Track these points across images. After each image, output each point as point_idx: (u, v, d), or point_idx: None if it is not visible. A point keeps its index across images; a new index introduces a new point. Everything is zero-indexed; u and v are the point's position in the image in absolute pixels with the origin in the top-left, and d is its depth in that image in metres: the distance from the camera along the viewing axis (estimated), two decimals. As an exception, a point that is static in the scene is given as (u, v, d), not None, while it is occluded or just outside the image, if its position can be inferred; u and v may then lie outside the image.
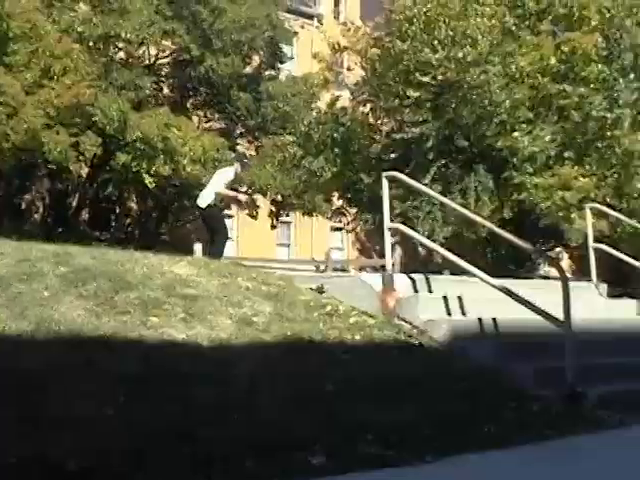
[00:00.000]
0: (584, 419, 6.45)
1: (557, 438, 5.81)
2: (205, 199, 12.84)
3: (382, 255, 9.22)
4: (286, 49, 28.65)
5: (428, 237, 13.21)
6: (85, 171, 23.49)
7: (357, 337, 7.33)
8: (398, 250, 18.69)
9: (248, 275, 8.66)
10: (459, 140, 13.54)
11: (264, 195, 25.26)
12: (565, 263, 19.89)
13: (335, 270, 20.63)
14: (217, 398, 5.30)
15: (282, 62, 27.85)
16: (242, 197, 13.93)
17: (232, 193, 13.43)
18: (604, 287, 11.00)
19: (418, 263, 14.39)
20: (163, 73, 25.53)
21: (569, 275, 15.48)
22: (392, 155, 14.67)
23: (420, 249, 13.36)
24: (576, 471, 4.73)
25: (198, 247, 20.77)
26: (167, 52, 24.72)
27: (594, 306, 9.98)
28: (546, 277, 13.89)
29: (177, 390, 5.30)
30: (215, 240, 12.61)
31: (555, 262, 9.53)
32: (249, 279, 8.41)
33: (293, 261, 30.46)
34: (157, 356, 5.90)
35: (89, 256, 8.06)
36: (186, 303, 7.05)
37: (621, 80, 13.58)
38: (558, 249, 18.15)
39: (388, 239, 8.96)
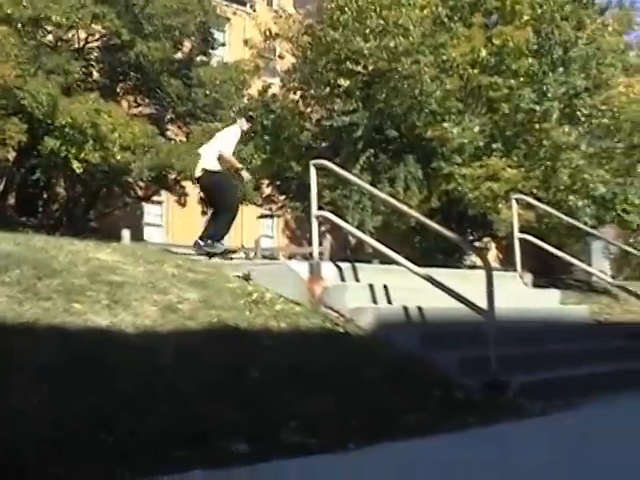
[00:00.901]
0: (507, 407, 6.52)
1: (480, 426, 5.87)
2: (203, 164, 11.58)
3: (312, 243, 9.21)
4: (218, 35, 28.43)
5: (358, 226, 13.27)
6: (12, 155, 23.09)
7: (283, 325, 7.32)
8: (328, 238, 18.73)
9: (175, 262, 8.58)
10: (389, 130, 13.58)
11: (194, 182, 25.04)
12: (493, 253, 20.16)
13: (264, 258, 20.56)
14: (141, 386, 5.23)
15: (214, 48, 27.62)
16: (246, 175, 11.98)
17: (239, 165, 11.97)
18: (529, 277, 11.14)
19: (348, 251, 14.41)
20: (93, 57, 25.14)
21: (496, 265, 15.73)
22: (322, 143, 14.68)
23: (351, 238, 13.36)
24: (495, 458, 4.78)
25: (126, 233, 20.60)
26: (97, 36, 24.34)
27: (518, 296, 10.11)
28: (473, 267, 14.01)
29: (100, 378, 5.22)
30: (220, 213, 11.23)
31: (479, 252, 9.64)
32: (176, 266, 8.34)
33: (223, 248, 30.31)
34: (80, 343, 5.81)
35: (13, 242, 7.91)
36: (111, 290, 6.95)
37: (550, 74, 13.75)
38: (486, 239, 18.34)
39: (315, 227, 8.96)
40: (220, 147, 11.40)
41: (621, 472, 4.32)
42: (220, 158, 11.24)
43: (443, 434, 5.50)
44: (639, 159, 15.59)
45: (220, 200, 11.28)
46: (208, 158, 11.50)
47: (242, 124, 11.95)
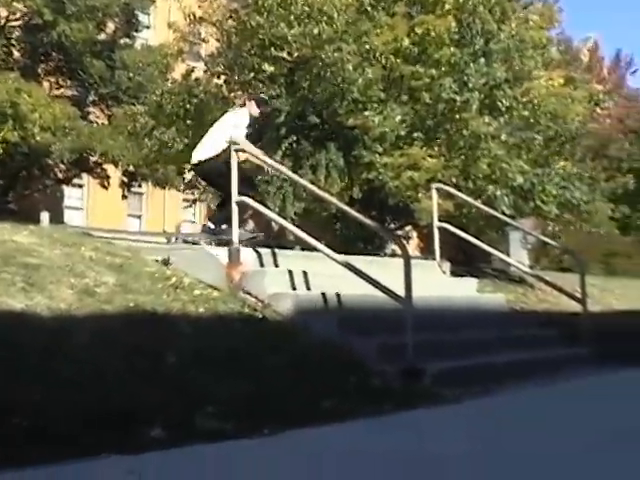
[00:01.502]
0: (422, 394, 6.61)
1: (396, 412, 5.94)
2: (205, 151, 10.28)
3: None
4: (142, 18, 28.15)
5: (279, 212, 13.25)
6: None
7: (201, 310, 7.30)
8: (251, 224, 18.69)
9: (93, 245, 8.49)
10: (312, 117, 13.58)
11: (115, 165, 24.86)
12: (414, 242, 20.34)
13: (186, 243, 20.39)
14: (55, 370, 5.18)
15: (138, 31, 27.35)
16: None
17: (257, 151, 10.18)
18: (447, 265, 11.26)
19: (270, 237, 14.39)
20: (14, 37, 24.68)
21: (417, 254, 15.87)
22: (245, 129, 14.61)
23: (273, 224, 13.36)
24: (409, 444, 4.84)
25: (45, 216, 20.29)
26: (18, 15, 23.91)
27: (436, 284, 10.22)
28: (394, 255, 14.10)
29: (12, 360, 5.15)
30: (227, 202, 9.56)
31: (398, 240, 9.73)
32: (93, 249, 8.24)
33: (144, 233, 30.10)
34: (-7, 325, 5.73)
35: None
36: (26, 272, 6.85)
37: (472, 64, 13.87)
38: (408, 228, 18.48)
39: (235, 212, 8.95)
40: (232, 134, 9.73)
41: (533, 459, 4.40)
42: (231, 147, 9.37)
43: (359, 420, 5.54)
44: (557, 151, 15.85)
45: (229, 184, 9.54)
46: (209, 146, 10.18)
47: (252, 108, 10.46)
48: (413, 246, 18.39)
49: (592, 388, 7.75)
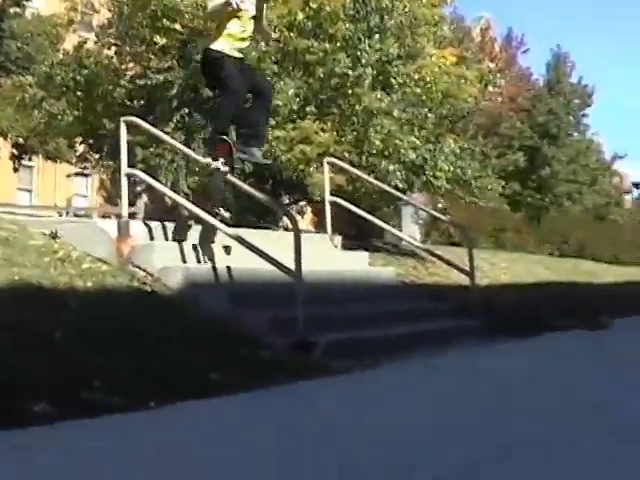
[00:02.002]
0: (313, 367, 6.65)
1: (286, 384, 5.97)
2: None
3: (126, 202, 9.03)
4: (33, -14, 27.48)
5: (173, 185, 13.13)
6: None
7: (89, 284, 7.18)
8: (144, 198, 18.46)
9: (-23, 218, 8.28)
10: (204, 89, 13.45)
11: (4, 137, 24.30)
12: (308, 217, 20.41)
13: (78, 217, 20.08)
14: None
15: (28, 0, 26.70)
16: None
17: None
18: (339, 239, 11.32)
19: (164, 211, 14.25)
20: None
21: (312, 228, 15.93)
22: (137, 101, 14.40)
23: (167, 198, 13.19)
24: (298, 414, 4.86)
25: None
26: None
27: (328, 258, 10.27)
28: (287, 229, 14.11)
29: None
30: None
31: (289, 214, 9.72)
32: (-23, 222, 8.04)
33: (34, 207, 29.55)
34: None
35: None
36: None
37: (366, 40, 13.93)
38: (302, 203, 18.52)
39: (125, 185, 8.83)
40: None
41: (418, 429, 4.47)
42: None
43: (249, 393, 5.55)
44: (448, 128, 16.07)
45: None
46: None
47: None
48: (307, 221, 18.47)
49: (477, 358, 7.92)
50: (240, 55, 8.67)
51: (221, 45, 8.44)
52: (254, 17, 8.60)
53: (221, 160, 8.48)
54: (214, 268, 8.10)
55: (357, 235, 15.18)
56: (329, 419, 4.72)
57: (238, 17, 8.40)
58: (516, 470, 3.51)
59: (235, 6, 8.12)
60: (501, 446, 3.95)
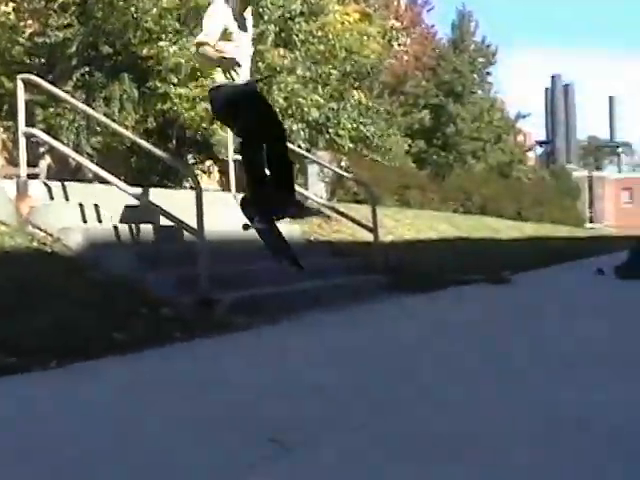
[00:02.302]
0: (216, 323, 6.68)
1: (189, 341, 5.99)
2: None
3: (29, 163, 8.84)
4: None
5: (75, 146, 12.88)
6: None
7: (-13, 245, 7.06)
8: (48, 159, 18.09)
9: None
10: (104, 47, 13.19)
11: None
12: (215, 176, 20.22)
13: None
14: None
15: None
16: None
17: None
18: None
19: (68, 172, 13.98)
20: None
21: (219, 187, 15.82)
22: (37, 60, 14.06)
23: (71, 160, 12.94)
24: (199, 369, 4.88)
25: None
26: None
27: (232, 216, 10.23)
28: (192, 188, 14.01)
29: None
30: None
31: (190, 172, 9.67)
32: None
33: None
34: None
35: None
36: None
37: (270, -3, 13.81)
38: (209, 162, 18.36)
39: (23, 145, 8.64)
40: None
41: (315, 383, 4.52)
42: None
43: (152, 350, 5.56)
44: (354, 86, 16.10)
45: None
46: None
47: None
48: (215, 180, 18.28)
49: (381, 312, 8.03)
50: None
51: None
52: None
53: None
54: (116, 228, 8.02)
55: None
56: (229, 374, 4.76)
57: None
58: (408, 419, 3.59)
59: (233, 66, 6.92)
60: (404, 399, 4.03)
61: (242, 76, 7.17)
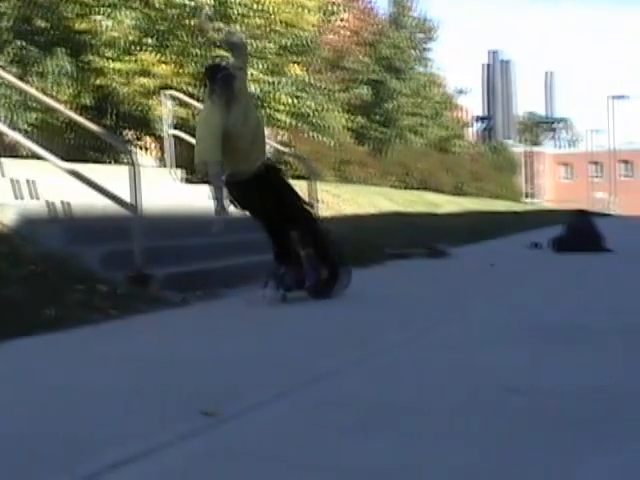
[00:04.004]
0: (151, 299, 6.64)
1: (123, 317, 5.96)
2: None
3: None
4: None
5: (10, 122, 12.67)
6: None
7: None
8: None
9: None
10: (39, 21, 12.99)
11: None
12: (154, 152, 20.08)
13: None
14: None
15: None
16: None
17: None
18: (180, 173, 11.24)
19: (3, 148, 13.78)
20: None
21: (156, 162, 15.69)
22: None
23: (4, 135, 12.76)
24: (133, 345, 4.86)
25: None
26: None
27: (168, 191, 10.19)
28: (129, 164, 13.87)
29: None
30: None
31: (126, 148, 9.57)
32: None
33: None
34: None
35: None
36: None
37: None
38: (148, 138, 18.21)
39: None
40: None
41: (246, 357, 4.54)
42: None
43: (85, 327, 5.52)
44: (293, 61, 16.04)
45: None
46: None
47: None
48: (153, 156, 18.14)
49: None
50: None
51: None
52: None
53: None
54: (51, 204, 7.92)
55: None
56: (158, 348, 4.74)
57: None
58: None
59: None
60: (328, 370, 4.06)
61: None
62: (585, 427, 2.88)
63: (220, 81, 6.59)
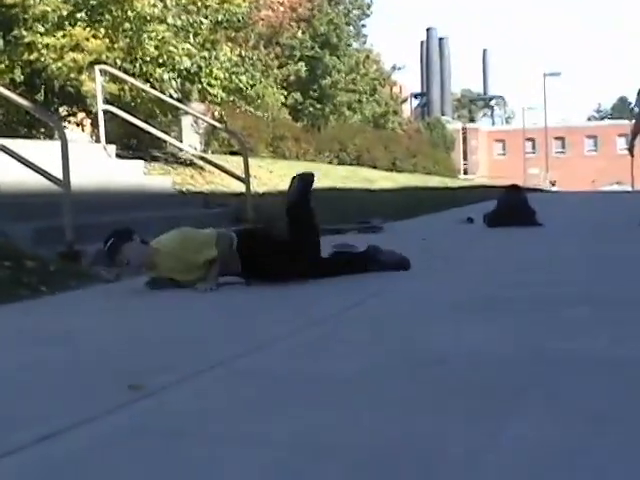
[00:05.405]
0: (81, 275, 6.59)
1: (53, 293, 5.92)
2: None
3: None
4: None
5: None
6: None
7: None
8: None
9: None
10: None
11: None
12: (88, 128, 19.90)
13: None
14: None
15: None
16: None
17: None
18: (112, 148, 11.16)
19: None
20: None
21: (91, 138, 15.54)
22: None
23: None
24: (63, 323, 4.84)
25: None
26: None
27: (100, 167, 10.13)
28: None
29: None
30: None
31: (56, 123, 9.42)
32: None
33: None
34: None
35: None
36: None
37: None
38: (82, 115, 18.02)
39: None
40: None
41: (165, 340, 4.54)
42: None
43: (15, 304, 5.47)
44: (227, 36, 15.96)
45: None
46: None
47: None
48: (87, 132, 17.95)
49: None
50: None
51: None
52: None
53: None
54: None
55: (138, 146, 14.97)
56: (87, 325, 4.72)
57: None
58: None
59: None
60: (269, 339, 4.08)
61: None
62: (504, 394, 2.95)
63: None
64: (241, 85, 14.83)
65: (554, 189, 51.72)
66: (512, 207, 11.31)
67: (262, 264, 6.01)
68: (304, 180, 6.35)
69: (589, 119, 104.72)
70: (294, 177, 6.47)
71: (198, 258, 5.90)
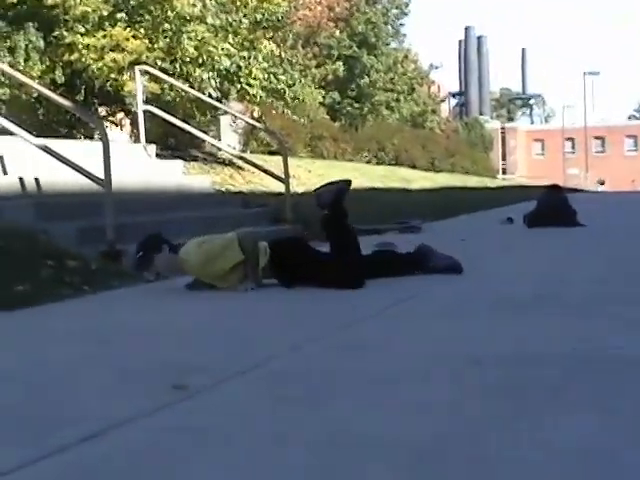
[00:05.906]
0: (123, 275, 6.62)
1: (95, 293, 5.95)
2: None
3: None
4: None
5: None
6: None
7: None
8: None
9: None
10: (8, -6, 12.85)
11: None
12: (128, 128, 20.05)
13: None
14: None
15: None
16: None
17: None
18: (153, 148, 11.21)
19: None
20: None
21: (131, 139, 15.63)
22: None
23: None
24: (106, 321, 4.87)
25: None
26: None
27: (141, 167, 10.18)
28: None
29: None
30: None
31: (98, 123, 9.50)
32: None
33: None
34: None
35: None
36: None
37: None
38: (121, 115, 18.12)
39: None
40: None
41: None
42: None
43: (57, 303, 5.51)
44: (265, 36, 15.99)
45: None
46: None
47: None
48: (127, 132, 18.07)
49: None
50: None
51: None
52: None
53: None
54: (21, 180, 7.89)
55: (176, 145, 15.04)
56: (131, 325, 4.75)
57: None
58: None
59: None
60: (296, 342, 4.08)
61: None
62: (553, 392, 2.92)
63: None
64: (280, 85, 14.86)
65: (600, 189, 51.30)
66: (553, 207, 11.22)
67: (300, 271, 5.99)
68: (339, 190, 6.21)
69: (629, 118, 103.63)
70: (331, 182, 6.38)
71: (225, 264, 5.90)
